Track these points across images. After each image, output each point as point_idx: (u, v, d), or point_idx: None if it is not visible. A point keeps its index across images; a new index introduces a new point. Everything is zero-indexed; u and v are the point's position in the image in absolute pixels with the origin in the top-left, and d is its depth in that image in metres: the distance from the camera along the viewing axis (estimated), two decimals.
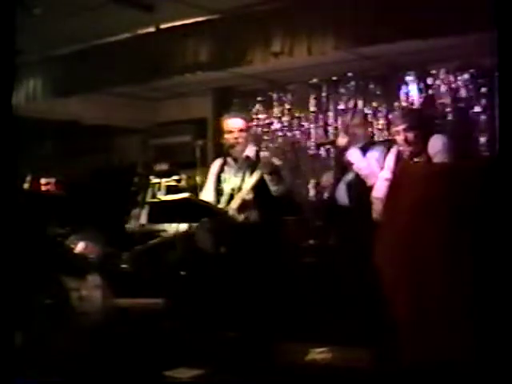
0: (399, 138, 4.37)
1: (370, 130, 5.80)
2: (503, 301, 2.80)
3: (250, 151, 4.77)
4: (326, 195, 5.13)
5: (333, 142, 5.30)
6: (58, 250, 5.22)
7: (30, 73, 6.45)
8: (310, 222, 5.91)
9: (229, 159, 4.83)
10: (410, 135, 4.29)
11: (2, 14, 3.04)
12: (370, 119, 6.21)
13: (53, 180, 5.95)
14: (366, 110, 6.39)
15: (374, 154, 4.74)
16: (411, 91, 6.25)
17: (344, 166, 4.82)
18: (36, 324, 4.62)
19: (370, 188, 4.52)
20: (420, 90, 6.20)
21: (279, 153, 4.70)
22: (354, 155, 4.74)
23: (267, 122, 7.22)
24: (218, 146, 7.24)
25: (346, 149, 4.78)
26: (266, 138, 7.15)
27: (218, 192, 4.77)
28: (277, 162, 4.60)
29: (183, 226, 4.82)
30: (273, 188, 4.54)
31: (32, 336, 4.44)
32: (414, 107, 6.03)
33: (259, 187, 4.55)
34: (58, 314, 4.76)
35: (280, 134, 7.15)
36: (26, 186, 5.73)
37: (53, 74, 6.39)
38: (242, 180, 4.65)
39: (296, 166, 6.79)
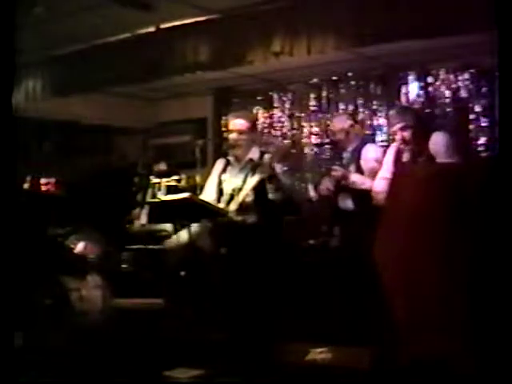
0: (397, 138, 4.38)
1: (358, 129, 5.71)
2: (503, 300, 2.80)
3: (254, 153, 4.75)
4: (325, 199, 5.12)
5: (332, 142, 5.30)
6: (58, 250, 5.22)
7: (30, 73, 6.45)
8: (309, 223, 5.90)
9: (232, 159, 4.82)
10: (407, 134, 4.28)
11: (1, 13, 3.04)
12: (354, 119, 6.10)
13: (53, 180, 5.94)
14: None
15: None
16: (411, 91, 6.26)
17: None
18: (36, 324, 4.62)
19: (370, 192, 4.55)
20: (420, 90, 6.21)
21: (279, 157, 4.68)
22: (355, 178, 4.74)
23: (267, 122, 7.23)
24: (218, 146, 7.32)
25: (345, 177, 4.79)
26: (267, 139, 7.15)
27: (220, 192, 4.77)
28: (277, 167, 4.59)
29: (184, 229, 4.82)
30: (271, 193, 4.55)
31: (32, 336, 4.44)
32: (410, 106, 6.00)
33: (259, 189, 4.56)
34: (58, 313, 4.76)
35: (280, 134, 7.16)
36: (26, 186, 5.72)
37: (53, 74, 6.39)
38: (244, 181, 4.64)
39: (297, 167, 6.80)
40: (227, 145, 4.89)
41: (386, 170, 4.40)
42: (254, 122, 4.87)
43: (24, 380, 3.64)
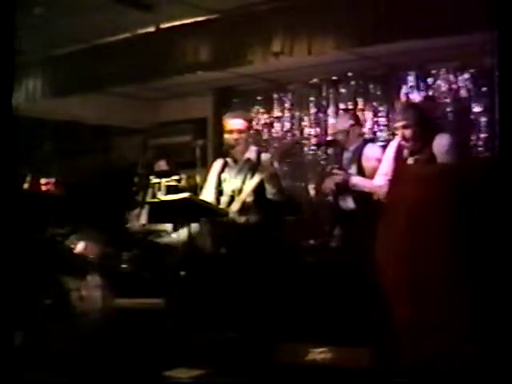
0: (398, 135, 4.39)
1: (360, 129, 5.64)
2: (503, 300, 2.80)
3: (251, 153, 4.76)
4: (326, 198, 5.11)
5: (333, 142, 5.29)
6: (57, 250, 5.22)
7: (30, 73, 6.45)
8: (309, 223, 5.90)
9: (229, 160, 4.82)
10: (408, 132, 4.28)
11: (2, 14, 3.04)
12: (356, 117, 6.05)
13: (53, 180, 5.94)
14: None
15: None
16: (411, 91, 6.26)
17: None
18: (36, 324, 4.62)
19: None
20: (420, 90, 6.21)
21: (279, 156, 4.68)
22: (356, 180, 4.73)
23: (267, 122, 7.22)
24: (218, 146, 7.32)
25: (346, 181, 4.76)
26: (266, 138, 7.15)
27: (219, 193, 4.78)
28: (276, 165, 4.59)
29: (184, 228, 4.82)
30: (270, 192, 4.55)
31: (32, 336, 4.44)
32: (413, 105, 5.97)
33: (260, 190, 4.56)
34: (58, 313, 4.76)
35: (280, 134, 7.16)
36: (25, 185, 5.73)
37: (53, 74, 6.39)
38: (243, 182, 4.64)
39: (296, 166, 6.79)
40: (226, 145, 4.88)
41: (386, 166, 4.41)
42: (251, 122, 4.89)
43: (24, 380, 3.64)
